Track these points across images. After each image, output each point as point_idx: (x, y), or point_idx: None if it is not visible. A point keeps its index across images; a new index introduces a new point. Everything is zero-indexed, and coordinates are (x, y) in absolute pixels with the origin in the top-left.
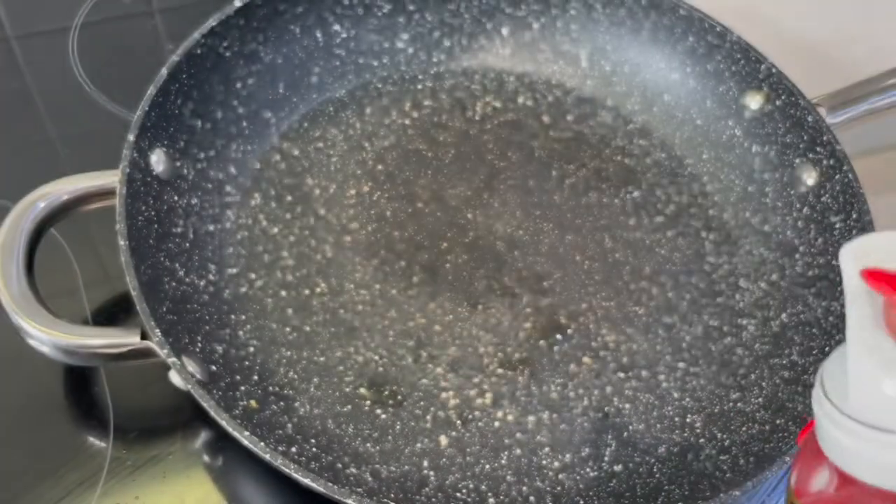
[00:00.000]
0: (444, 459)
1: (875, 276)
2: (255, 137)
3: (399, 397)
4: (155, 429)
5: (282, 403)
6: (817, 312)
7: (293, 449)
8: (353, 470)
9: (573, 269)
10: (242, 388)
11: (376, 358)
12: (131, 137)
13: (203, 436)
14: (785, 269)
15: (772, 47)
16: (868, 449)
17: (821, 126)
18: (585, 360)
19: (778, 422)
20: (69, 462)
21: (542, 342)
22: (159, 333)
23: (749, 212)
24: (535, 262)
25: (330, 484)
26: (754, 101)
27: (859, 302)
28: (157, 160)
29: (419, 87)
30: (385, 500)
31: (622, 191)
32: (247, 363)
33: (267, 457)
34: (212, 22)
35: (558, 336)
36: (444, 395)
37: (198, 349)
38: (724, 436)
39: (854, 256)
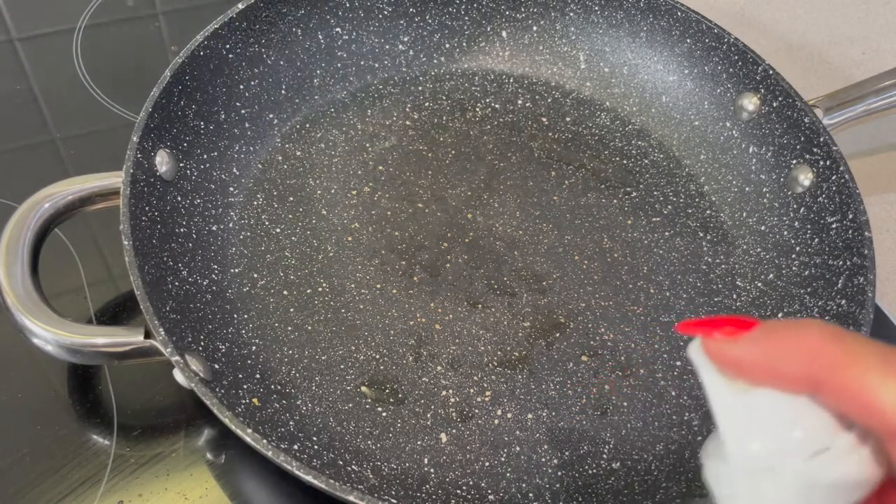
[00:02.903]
0: (444, 457)
1: (686, 327)
2: (258, 139)
3: (400, 395)
4: (158, 426)
5: (284, 401)
6: (813, 312)
7: (295, 446)
8: (355, 467)
9: (572, 269)
10: (245, 386)
11: (377, 356)
12: (135, 139)
13: (206, 433)
14: (781, 268)
15: (769, 49)
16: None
17: (817, 127)
18: (584, 358)
19: None
20: (73, 460)
21: (541, 341)
22: (163, 332)
23: (746, 212)
24: (535, 261)
25: (331, 481)
26: (751, 103)
27: (709, 380)
28: (161, 161)
29: (420, 88)
30: (386, 496)
31: (620, 191)
32: (249, 361)
33: (269, 454)
34: (215, 24)
35: (557, 335)
36: (444, 392)
37: (201, 348)
38: None
39: (696, 348)
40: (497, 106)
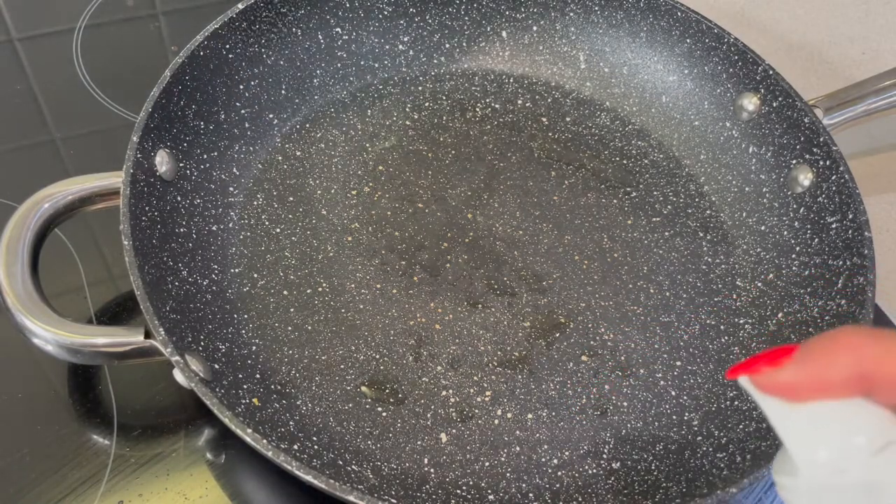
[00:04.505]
0: (444, 457)
1: (734, 371)
2: (258, 139)
3: (400, 395)
4: (158, 427)
5: (284, 401)
6: (813, 312)
7: (295, 446)
8: (355, 467)
9: (572, 269)
10: (245, 386)
11: (377, 356)
12: (135, 138)
13: (206, 433)
14: (781, 268)
15: (769, 49)
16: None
17: (817, 127)
18: (584, 358)
19: None
20: (73, 460)
21: (540, 341)
22: (163, 332)
23: (746, 212)
24: (535, 261)
25: (331, 481)
26: (751, 103)
27: (767, 405)
28: (161, 161)
29: (420, 88)
30: (386, 496)
31: (620, 191)
32: (249, 361)
33: (269, 454)
34: (215, 24)
35: (557, 335)
36: (444, 392)
37: (201, 348)
38: (722, 433)
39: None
40: (497, 106)
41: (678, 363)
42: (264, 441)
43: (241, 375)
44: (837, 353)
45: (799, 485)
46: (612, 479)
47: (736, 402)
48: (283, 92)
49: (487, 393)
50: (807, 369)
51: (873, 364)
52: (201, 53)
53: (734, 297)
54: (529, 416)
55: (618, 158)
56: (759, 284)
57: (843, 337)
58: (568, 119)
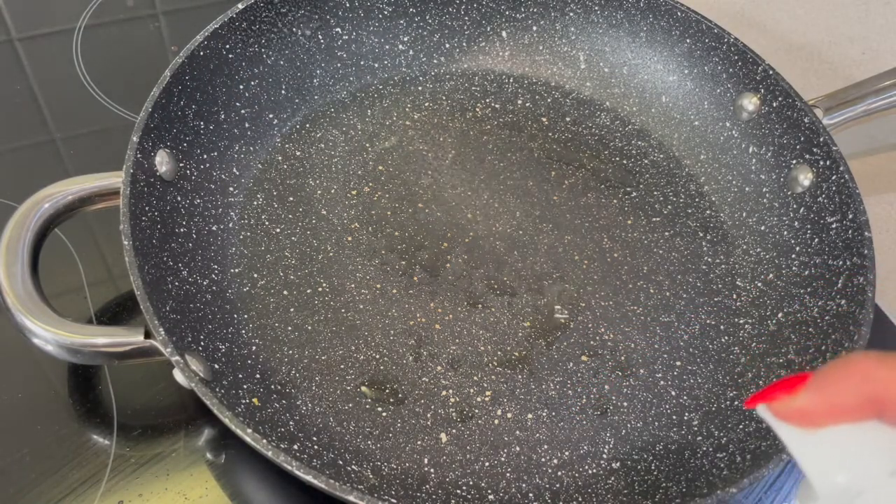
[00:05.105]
0: (444, 457)
1: (752, 401)
2: (258, 139)
3: (400, 395)
4: (158, 426)
5: (284, 401)
6: (813, 312)
7: (295, 446)
8: (355, 467)
9: (572, 269)
10: (245, 386)
11: (377, 356)
12: (135, 139)
13: (206, 433)
14: (781, 268)
15: (769, 49)
16: None
17: (817, 127)
18: (584, 358)
19: None
20: (73, 460)
21: (540, 341)
22: (163, 332)
23: (746, 212)
24: (535, 261)
25: (331, 481)
26: (751, 103)
27: (785, 433)
28: (161, 161)
29: (420, 88)
30: (386, 496)
31: (620, 191)
32: (249, 361)
33: (269, 454)
34: (215, 24)
35: (557, 334)
36: (444, 392)
37: (201, 348)
38: (721, 433)
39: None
40: (497, 106)
41: (678, 363)
42: (264, 441)
43: (241, 375)
44: (849, 378)
45: None
46: (612, 479)
47: (736, 403)
48: (283, 92)
49: (487, 393)
50: (820, 395)
51: (884, 387)
52: (201, 53)
53: (734, 297)
54: (529, 416)
55: (618, 158)
56: (759, 284)
57: (854, 362)
58: (568, 119)
